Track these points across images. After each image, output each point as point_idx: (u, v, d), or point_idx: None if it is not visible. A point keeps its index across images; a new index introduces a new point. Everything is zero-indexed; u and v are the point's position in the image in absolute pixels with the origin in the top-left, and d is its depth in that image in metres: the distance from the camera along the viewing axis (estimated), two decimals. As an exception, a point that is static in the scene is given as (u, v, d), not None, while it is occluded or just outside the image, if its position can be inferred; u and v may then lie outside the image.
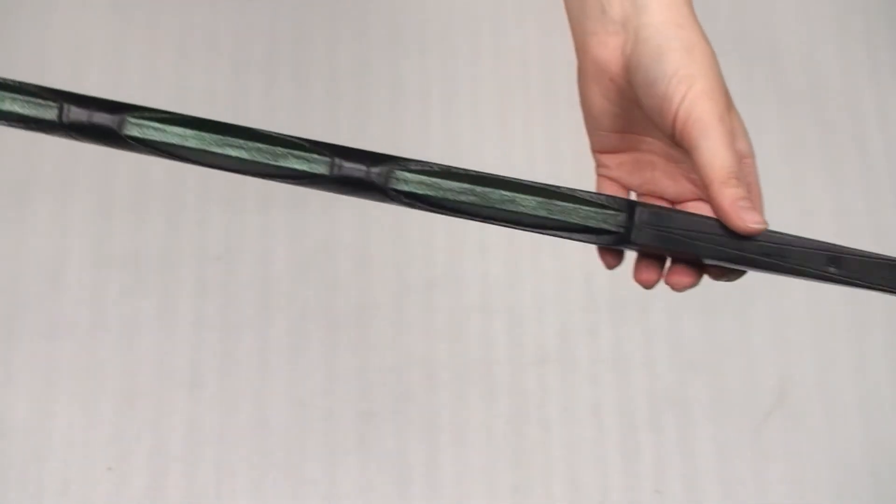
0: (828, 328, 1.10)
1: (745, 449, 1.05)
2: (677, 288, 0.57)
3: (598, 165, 0.62)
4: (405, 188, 0.57)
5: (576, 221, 0.57)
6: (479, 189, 0.56)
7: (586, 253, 1.12)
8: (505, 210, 0.57)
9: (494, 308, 1.10)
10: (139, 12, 1.22)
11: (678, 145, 0.55)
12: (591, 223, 0.56)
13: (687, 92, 0.53)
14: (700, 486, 1.04)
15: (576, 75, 0.61)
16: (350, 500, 1.03)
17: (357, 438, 1.05)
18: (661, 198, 0.60)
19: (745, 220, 0.53)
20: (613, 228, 0.57)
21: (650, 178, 0.60)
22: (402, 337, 1.09)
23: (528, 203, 0.57)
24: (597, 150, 0.61)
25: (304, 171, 0.57)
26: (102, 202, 1.13)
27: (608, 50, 0.57)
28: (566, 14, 0.60)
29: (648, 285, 0.58)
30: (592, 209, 0.56)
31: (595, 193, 0.57)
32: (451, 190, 0.57)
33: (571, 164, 1.15)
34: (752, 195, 0.56)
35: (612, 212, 0.56)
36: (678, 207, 0.59)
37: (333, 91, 1.19)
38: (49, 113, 0.58)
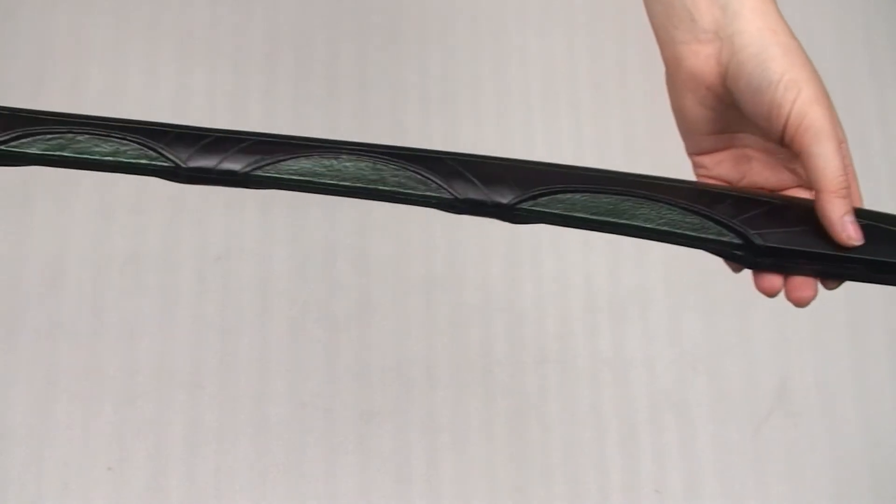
0: (828, 328, 1.10)
1: (745, 449, 1.05)
2: (801, 304, 0.59)
3: (697, 167, 0.64)
4: (528, 218, 0.58)
5: (699, 247, 0.59)
6: (598, 218, 0.58)
7: (586, 253, 1.13)
8: (629, 233, 0.59)
9: (494, 308, 1.10)
10: (139, 12, 1.22)
11: (786, 147, 0.57)
12: (721, 253, 0.59)
13: (796, 98, 0.55)
14: (700, 486, 1.04)
15: (663, 82, 0.62)
16: (350, 500, 1.03)
17: (357, 438, 1.05)
18: (762, 188, 0.62)
19: (849, 234, 0.56)
20: (737, 256, 0.58)
21: (748, 170, 0.61)
22: (402, 337, 1.09)
23: (650, 229, 0.58)
24: (694, 153, 0.63)
25: (429, 199, 0.58)
26: (102, 202, 1.13)
27: (702, 59, 0.58)
28: (651, 23, 0.61)
29: (772, 293, 0.60)
30: (715, 238, 0.58)
31: (715, 224, 0.58)
32: (575, 217, 0.58)
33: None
34: (849, 175, 0.58)
35: (729, 239, 0.58)
36: (779, 195, 0.61)
37: (333, 91, 1.19)
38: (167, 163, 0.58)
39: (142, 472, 1.04)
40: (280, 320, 1.09)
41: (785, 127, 0.55)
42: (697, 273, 1.12)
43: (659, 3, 0.59)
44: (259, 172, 0.57)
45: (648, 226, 0.58)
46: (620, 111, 1.19)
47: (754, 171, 0.61)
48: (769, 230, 0.58)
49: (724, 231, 0.58)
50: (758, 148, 0.61)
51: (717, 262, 1.18)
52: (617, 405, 1.07)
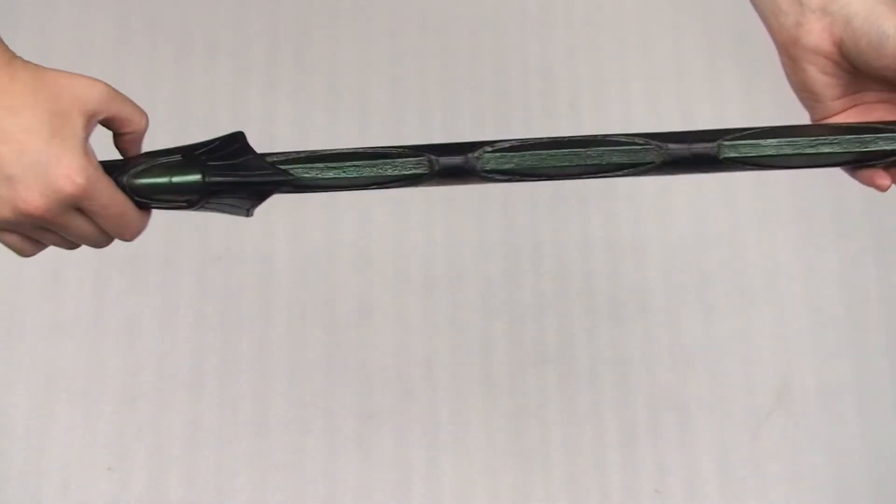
0: (828, 328, 1.10)
1: (745, 449, 1.05)
2: None
3: None
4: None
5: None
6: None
7: (585, 252, 1.13)
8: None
9: (494, 308, 1.10)
10: (139, 12, 1.22)
11: None
12: None
13: None
14: (700, 486, 1.04)
15: (780, 67, 0.70)
16: (350, 500, 1.03)
17: (357, 438, 1.05)
18: None
19: None
20: None
21: (873, 119, 0.69)
22: (402, 337, 1.09)
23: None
24: (822, 118, 0.71)
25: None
26: (102, 202, 1.13)
27: (815, 34, 0.67)
28: (760, 14, 0.69)
29: (884, 188, 0.68)
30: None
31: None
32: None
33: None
34: None
35: None
36: None
37: (334, 91, 1.19)
38: (420, 168, 0.62)
39: (142, 472, 1.04)
40: (280, 320, 1.09)
41: None
42: (698, 273, 1.12)
43: None
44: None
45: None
46: (620, 109, 1.19)
47: (878, 118, 0.69)
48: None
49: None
50: (878, 101, 0.68)
51: (716, 262, 1.19)
52: (617, 405, 1.07)
